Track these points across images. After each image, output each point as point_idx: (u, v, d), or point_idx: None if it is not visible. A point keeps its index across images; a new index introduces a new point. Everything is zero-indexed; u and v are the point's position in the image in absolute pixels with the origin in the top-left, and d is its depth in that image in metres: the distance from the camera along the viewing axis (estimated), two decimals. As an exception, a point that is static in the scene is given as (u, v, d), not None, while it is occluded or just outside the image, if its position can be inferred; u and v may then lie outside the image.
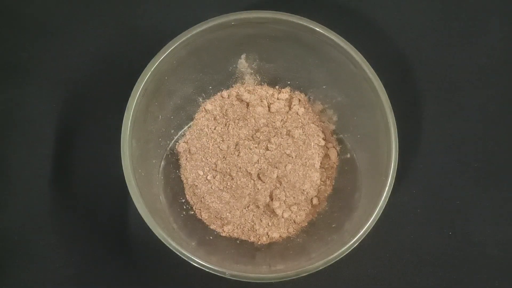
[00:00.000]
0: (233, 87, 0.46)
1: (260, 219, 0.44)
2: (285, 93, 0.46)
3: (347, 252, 0.38)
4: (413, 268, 0.45)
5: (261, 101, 0.45)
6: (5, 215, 0.45)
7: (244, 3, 0.48)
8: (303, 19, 0.41)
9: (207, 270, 0.38)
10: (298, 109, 0.45)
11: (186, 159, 0.45)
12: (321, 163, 0.45)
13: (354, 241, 0.38)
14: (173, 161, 0.45)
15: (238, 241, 0.43)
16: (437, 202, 0.46)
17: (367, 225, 0.38)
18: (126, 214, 0.44)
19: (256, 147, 0.44)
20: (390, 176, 0.39)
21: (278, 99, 0.46)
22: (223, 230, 0.44)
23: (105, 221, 0.44)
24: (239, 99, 0.45)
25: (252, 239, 0.44)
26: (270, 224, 0.44)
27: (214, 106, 0.45)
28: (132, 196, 0.38)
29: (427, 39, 0.48)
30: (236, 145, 0.44)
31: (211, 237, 0.43)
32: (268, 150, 0.44)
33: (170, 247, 0.38)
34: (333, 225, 0.42)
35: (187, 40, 0.40)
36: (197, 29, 0.40)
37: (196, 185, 0.44)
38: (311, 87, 0.46)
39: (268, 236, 0.43)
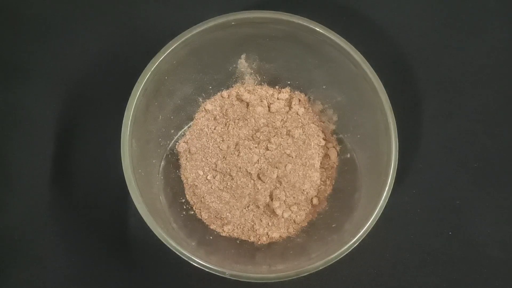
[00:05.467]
0: (233, 87, 0.46)
1: (260, 219, 0.44)
2: (285, 93, 0.46)
3: (347, 252, 0.38)
4: (413, 268, 0.45)
5: (261, 101, 0.45)
6: (5, 215, 0.45)
7: (244, 3, 0.48)
8: (303, 19, 0.41)
9: (207, 270, 0.38)
10: (298, 109, 0.45)
11: (186, 159, 0.45)
12: (321, 163, 0.45)
13: (354, 241, 0.38)
14: (173, 161, 0.45)
15: (238, 241, 0.43)
16: (437, 202, 0.46)
17: (367, 225, 0.38)
18: (126, 214, 0.44)
19: (256, 147, 0.44)
20: (390, 176, 0.39)
21: (278, 99, 0.46)
22: (223, 230, 0.44)
23: (105, 221, 0.44)
24: (239, 99, 0.45)
25: (252, 239, 0.44)
26: (270, 224, 0.44)
27: (214, 106, 0.45)
28: (132, 196, 0.38)
29: (427, 39, 0.48)
30: (236, 145, 0.44)
31: (211, 237, 0.43)
32: (268, 150, 0.44)
33: (170, 247, 0.38)
34: (333, 225, 0.42)
35: (187, 40, 0.40)
36: (197, 29, 0.40)
37: (196, 185, 0.44)
38: (311, 87, 0.46)
39: (268, 236, 0.43)
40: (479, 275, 0.45)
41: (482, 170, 0.46)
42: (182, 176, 0.45)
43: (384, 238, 0.45)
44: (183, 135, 0.45)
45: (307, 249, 0.42)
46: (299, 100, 0.46)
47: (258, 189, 0.43)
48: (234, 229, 0.44)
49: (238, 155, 0.44)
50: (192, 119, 0.45)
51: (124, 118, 0.39)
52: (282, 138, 0.44)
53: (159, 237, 0.38)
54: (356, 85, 0.42)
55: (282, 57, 0.44)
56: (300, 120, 0.45)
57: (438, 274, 0.45)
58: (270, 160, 0.44)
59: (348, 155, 0.45)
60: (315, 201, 0.44)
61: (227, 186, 0.43)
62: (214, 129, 0.45)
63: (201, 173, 0.44)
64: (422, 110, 0.47)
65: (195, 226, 0.43)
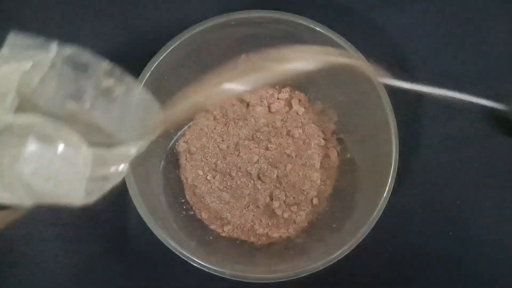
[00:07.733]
0: (233, 87, 0.46)
1: (260, 219, 0.43)
2: (285, 93, 0.46)
3: (347, 252, 0.38)
4: (413, 268, 0.45)
5: (261, 101, 0.45)
6: (5, 215, 0.45)
7: (243, 2, 0.48)
8: (303, 19, 0.41)
9: (207, 270, 0.38)
10: (298, 109, 0.45)
11: (186, 159, 0.45)
12: (321, 163, 0.45)
13: (354, 241, 0.38)
14: (173, 161, 0.45)
15: (238, 241, 0.43)
16: (437, 202, 0.46)
17: (367, 225, 0.38)
18: (126, 214, 0.44)
19: (256, 147, 0.44)
20: (390, 176, 0.39)
21: (278, 99, 0.46)
22: (223, 230, 0.43)
23: (105, 221, 0.44)
24: (239, 99, 0.45)
25: (252, 239, 0.43)
26: (270, 224, 0.43)
27: (214, 106, 0.45)
28: (132, 196, 0.38)
29: (428, 39, 0.48)
30: (236, 145, 0.44)
31: (211, 237, 0.43)
32: (268, 150, 0.44)
33: (170, 247, 0.38)
34: (333, 225, 0.42)
35: (187, 40, 0.40)
36: (197, 29, 0.40)
37: (196, 185, 0.44)
38: (311, 87, 0.46)
39: (268, 236, 0.43)
40: (479, 275, 0.45)
41: (482, 170, 0.46)
42: (182, 176, 0.45)
43: (384, 238, 0.45)
44: (183, 135, 0.45)
45: (307, 249, 0.42)
46: (299, 100, 0.46)
47: (258, 189, 0.43)
48: (234, 229, 0.43)
49: (238, 155, 0.44)
50: (192, 119, 0.45)
51: (124, 118, 0.39)
52: (282, 138, 0.44)
53: (159, 237, 0.38)
54: (356, 85, 0.42)
55: (282, 57, 0.44)
56: (300, 120, 0.45)
57: (438, 274, 0.45)
58: (270, 160, 0.44)
59: (348, 155, 0.45)
60: (315, 201, 0.44)
61: (227, 186, 0.43)
62: (214, 129, 0.45)
63: (201, 173, 0.44)
64: (422, 110, 0.47)
65: (195, 226, 0.43)
